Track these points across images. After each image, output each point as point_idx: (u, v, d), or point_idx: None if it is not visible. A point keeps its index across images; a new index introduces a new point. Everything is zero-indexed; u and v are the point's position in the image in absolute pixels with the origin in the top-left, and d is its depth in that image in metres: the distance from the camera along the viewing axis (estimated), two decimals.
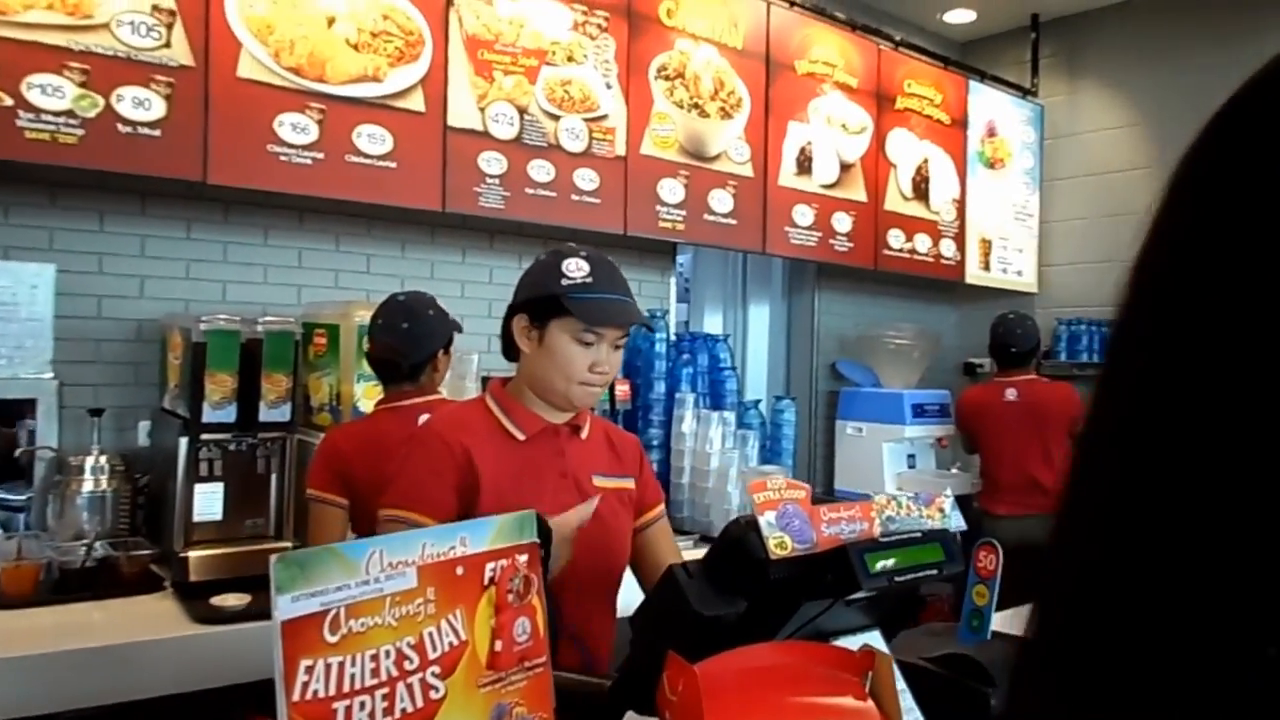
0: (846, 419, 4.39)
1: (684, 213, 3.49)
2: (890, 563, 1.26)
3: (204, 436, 2.46)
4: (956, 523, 1.45)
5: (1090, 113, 4.86)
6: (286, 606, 0.72)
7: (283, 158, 2.64)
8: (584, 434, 1.81)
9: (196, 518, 2.47)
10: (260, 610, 2.22)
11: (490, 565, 0.88)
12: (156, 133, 2.46)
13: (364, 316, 2.63)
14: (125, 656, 2.02)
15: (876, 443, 4.22)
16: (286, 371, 2.50)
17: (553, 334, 1.67)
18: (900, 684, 1.39)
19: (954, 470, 4.35)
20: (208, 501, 2.50)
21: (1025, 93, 4.92)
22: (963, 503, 3.96)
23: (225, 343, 2.44)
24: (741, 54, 3.66)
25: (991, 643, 1.69)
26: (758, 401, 3.87)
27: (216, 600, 2.27)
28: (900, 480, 4.19)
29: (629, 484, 1.85)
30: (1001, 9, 4.82)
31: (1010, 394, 3.88)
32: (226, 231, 2.94)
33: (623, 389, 3.57)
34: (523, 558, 0.91)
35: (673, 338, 3.80)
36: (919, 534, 1.33)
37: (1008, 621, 2.14)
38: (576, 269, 1.66)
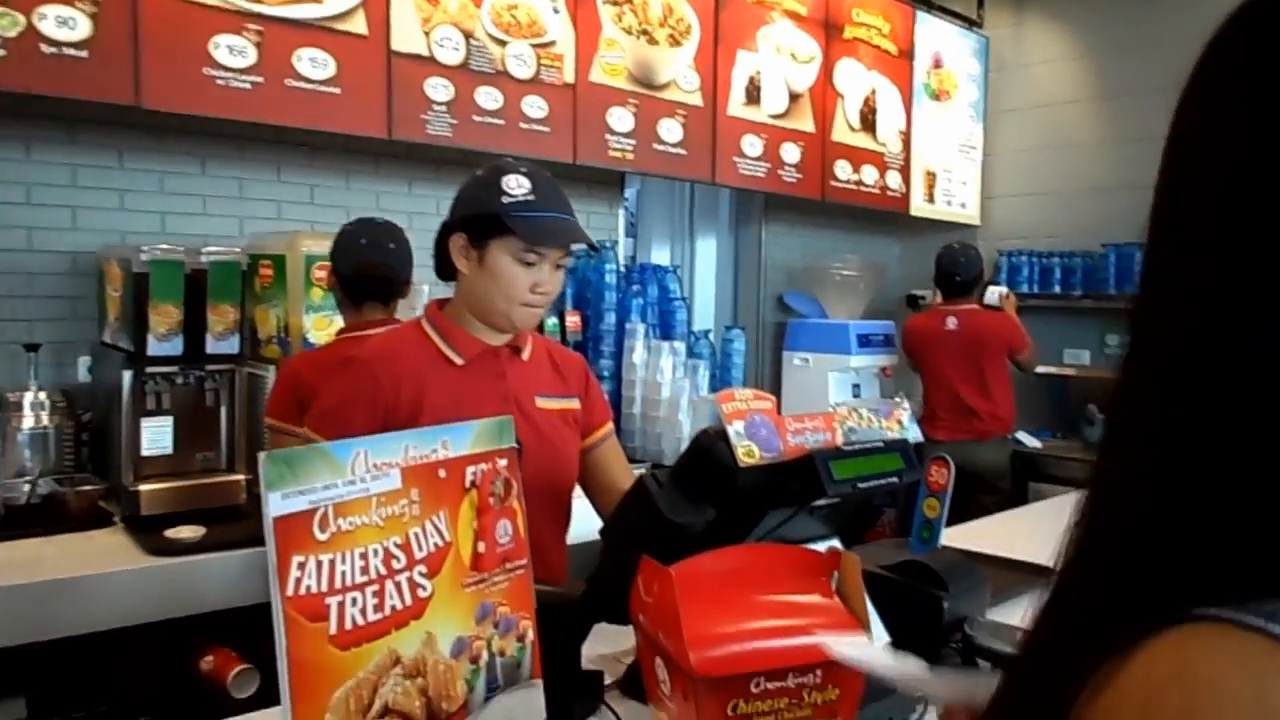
0: (793, 350, 4.44)
1: (634, 142, 3.46)
2: (854, 470, 1.29)
3: (149, 370, 2.41)
4: (914, 434, 1.49)
5: (1035, 44, 4.90)
6: (277, 503, 0.71)
7: (219, 81, 2.55)
8: (525, 355, 1.77)
9: (145, 452, 2.42)
10: (216, 542, 2.21)
11: (471, 468, 0.88)
12: (83, 53, 2.35)
13: (310, 247, 2.58)
14: (79, 589, 1.99)
15: (822, 373, 4.28)
16: (234, 302, 2.45)
17: (493, 253, 1.62)
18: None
19: (897, 399, 4.43)
20: (156, 435, 2.45)
21: (971, 24, 4.94)
22: None
23: (169, 273, 2.37)
24: None
25: (942, 551, 1.75)
26: (707, 331, 3.90)
27: (170, 533, 2.25)
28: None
29: (573, 404, 1.83)
30: None
31: (951, 323, 3.97)
32: (162, 160, 2.85)
33: (573, 320, 3.57)
34: (502, 461, 0.92)
35: (622, 269, 3.79)
36: (880, 443, 1.37)
37: (950, 536, 2.22)
38: (517, 185, 1.61)
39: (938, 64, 4.75)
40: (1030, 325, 4.58)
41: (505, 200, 1.59)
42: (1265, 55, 0.38)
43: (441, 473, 0.85)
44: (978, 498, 3.70)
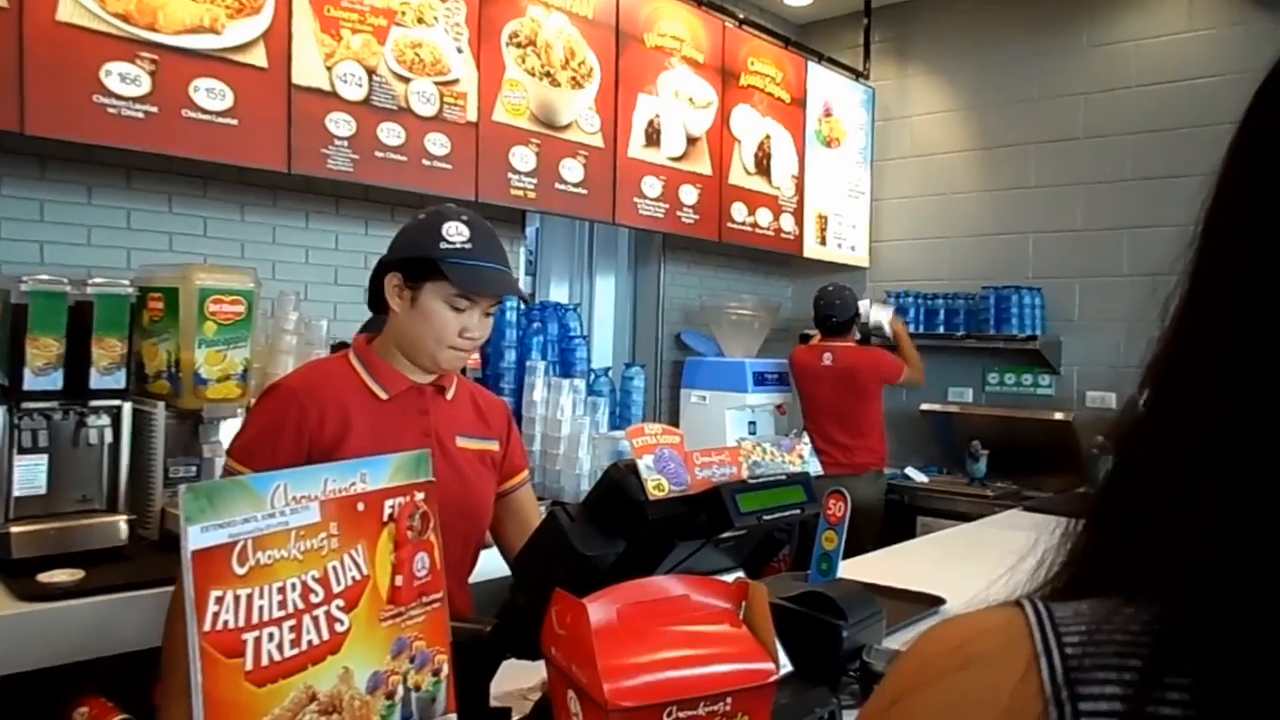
0: (691, 387, 4.52)
1: (535, 181, 3.49)
2: (759, 503, 1.33)
3: (25, 405, 2.29)
4: (815, 468, 1.54)
5: (918, 97, 5.14)
6: (196, 536, 0.70)
7: (111, 110, 2.48)
8: (449, 394, 1.81)
9: (18, 492, 2.30)
10: (95, 586, 2.10)
11: (389, 501, 0.88)
12: None
13: (204, 280, 2.51)
14: None
15: (720, 410, 4.36)
16: (120, 336, 2.36)
17: (426, 295, 1.67)
18: None
19: (792, 436, 4.54)
20: (30, 474, 2.33)
21: (858, 75, 5.15)
22: None
23: (50, 305, 2.28)
24: (592, 24, 3.68)
25: (840, 583, 1.81)
26: (607, 369, 3.93)
27: (44, 577, 2.13)
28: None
29: (493, 446, 1.87)
30: None
31: (826, 359, 4.13)
32: (44, 189, 2.74)
33: (473, 357, 3.55)
34: (420, 495, 0.92)
35: (522, 307, 3.80)
36: (784, 476, 1.41)
37: (845, 568, 2.29)
38: (456, 233, 1.67)
39: (828, 112, 4.94)
40: (917, 384, 4.75)
41: (443, 246, 1.64)
42: None
43: (360, 506, 0.85)
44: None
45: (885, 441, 4.27)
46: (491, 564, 2.34)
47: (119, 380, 2.37)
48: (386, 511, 0.88)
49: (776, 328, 5.08)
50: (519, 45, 3.42)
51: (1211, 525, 0.38)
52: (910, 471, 4.55)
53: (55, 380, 2.29)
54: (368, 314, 2.00)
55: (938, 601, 2.13)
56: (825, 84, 4.92)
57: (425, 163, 3.16)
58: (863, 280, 5.18)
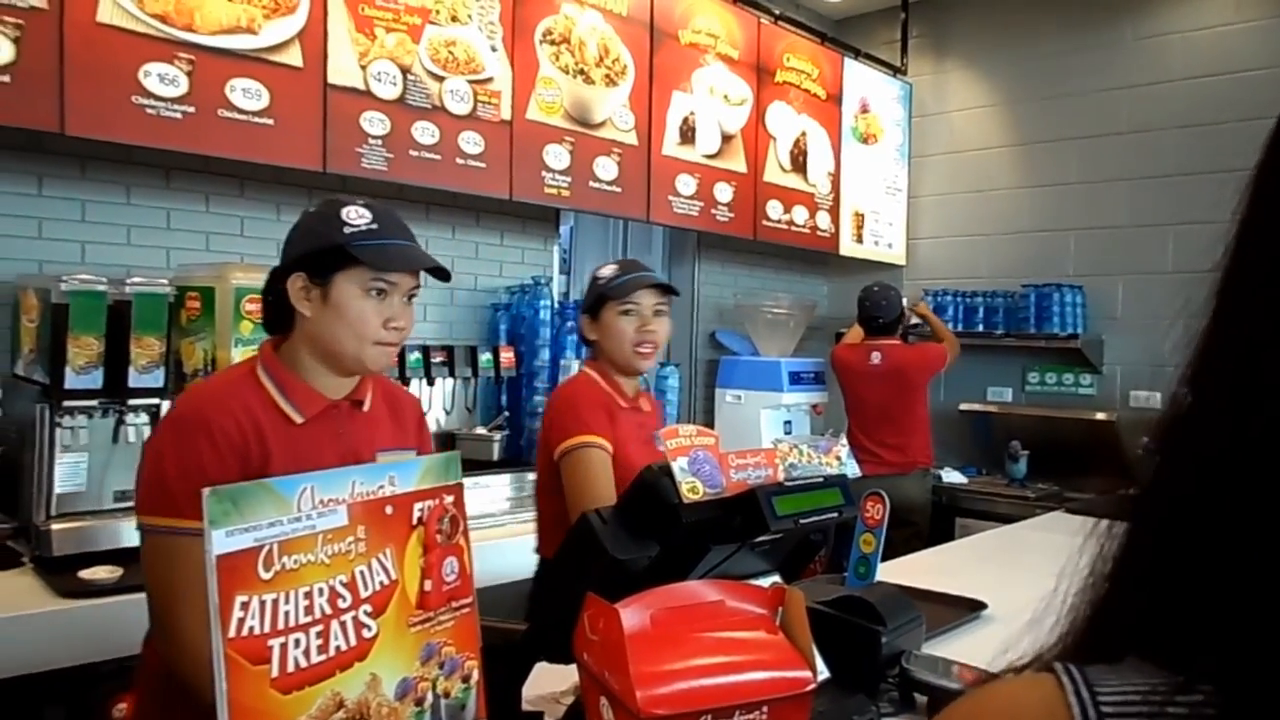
0: (726, 387, 4.48)
1: (569, 179, 3.48)
2: (795, 505, 1.30)
3: (66, 404, 2.32)
4: (853, 470, 1.51)
5: (955, 92, 5.07)
6: (221, 541, 0.69)
7: (149, 110, 2.49)
8: (366, 406, 1.64)
9: (59, 489, 2.33)
10: (133, 583, 2.12)
11: (418, 505, 0.87)
12: (6, 78, 2.28)
13: (240, 279, 2.52)
14: None
15: (755, 409, 4.32)
16: (159, 335, 2.38)
17: (338, 289, 1.51)
18: None
19: (830, 435, 4.49)
20: (70, 471, 2.36)
21: (895, 71, 5.09)
22: None
23: (90, 304, 2.30)
24: (626, 20, 3.66)
25: (878, 586, 1.77)
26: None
27: (85, 574, 2.16)
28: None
29: (410, 455, 1.71)
30: None
31: (875, 358, 4.06)
32: (84, 189, 2.77)
33: (507, 356, 3.55)
34: (449, 498, 0.90)
35: (556, 305, 3.79)
36: (820, 479, 1.38)
37: (883, 571, 2.25)
38: (358, 216, 1.53)
39: (865, 109, 4.88)
40: (955, 363, 4.70)
41: (347, 230, 1.50)
42: None
43: (389, 509, 0.83)
44: (890, 532, 3.77)
45: (931, 440, 4.20)
46: (519, 563, 2.33)
47: (158, 379, 2.39)
48: (415, 515, 0.87)
49: (812, 326, 5.03)
50: (553, 43, 3.41)
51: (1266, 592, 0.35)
52: (946, 472, 4.48)
53: (95, 379, 2.32)
54: None
55: (979, 606, 2.09)
56: (861, 80, 4.87)
57: (459, 161, 3.16)
58: (899, 278, 5.12)
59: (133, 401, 2.39)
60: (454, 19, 3.11)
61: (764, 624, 1.12)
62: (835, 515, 1.37)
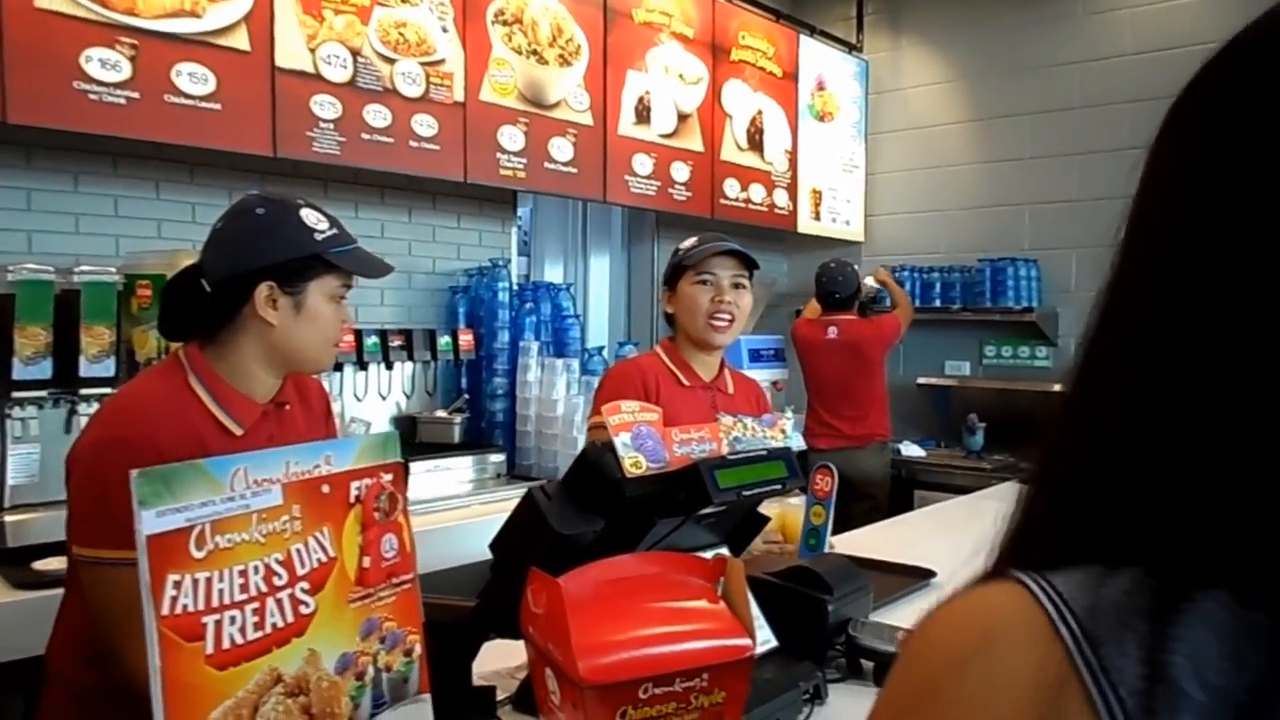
0: None
1: (525, 160, 3.47)
2: (738, 478, 1.33)
3: (15, 395, 2.30)
4: (796, 443, 1.55)
5: (911, 68, 5.11)
6: (151, 521, 0.70)
7: (92, 96, 2.46)
8: (288, 405, 1.64)
9: (11, 481, 2.31)
10: None
11: (355, 483, 0.88)
12: None
13: None
14: None
15: None
16: (109, 324, 2.37)
17: (313, 296, 1.52)
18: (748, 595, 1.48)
19: (789, 413, 4.54)
20: (22, 463, 2.34)
21: (851, 48, 5.12)
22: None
23: (37, 294, 2.29)
24: (579, 0, 3.65)
25: (826, 557, 1.81)
26: (601, 348, 3.92)
27: (40, 565, 2.15)
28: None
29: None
30: None
31: (832, 332, 4.12)
32: (30, 177, 2.73)
33: (466, 339, 3.55)
34: (387, 476, 0.92)
35: (515, 287, 3.79)
36: (764, 452, 1.41)
37: (838, 543, 2.29)
38: (319, 221, 1.52)
39: (821, 86, 4.90)
40: (913, 338, 4.77)
41: (319, 238, 1.50)
42: (1210, 131, 0.45)
43: (325, 488, 0.85)
44: (849, 505, 3.85)
45: (889, 413, 4.27)
46: (480, 545, 2.34)
47: (109, 368, 2.37)
48: (353, 493, 0.88)
49: (771, 305, 5.07)
50: (505, 23, 3.39)
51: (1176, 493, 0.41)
52: (905, 446, 4.55)
53: (44, 369, 2.30)
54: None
55: (928, 575, 2.13)
56: (817, 57, 4.89)
57: (413, 144, 3.14)
58: (858, 255, 5.16)
59: (85, 391, 2.38)
60: (404, 0, 3.09)
61: (705, 594, 1.15)
62: (778, 488, 1.40)
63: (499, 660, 1.49)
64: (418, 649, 0.93)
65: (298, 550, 0.81)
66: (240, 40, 2.70)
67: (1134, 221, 0.47)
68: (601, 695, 1.01)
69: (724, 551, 1.48)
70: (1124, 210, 0.48)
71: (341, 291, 1.56)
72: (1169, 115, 0.48)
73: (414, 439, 3.49)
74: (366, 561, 0.88)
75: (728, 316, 2.16)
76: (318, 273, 1.51)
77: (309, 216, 1.51)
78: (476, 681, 1.34)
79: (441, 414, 3.50)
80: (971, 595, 0.44)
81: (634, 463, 1.25)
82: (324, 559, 0.83)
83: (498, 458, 3.45)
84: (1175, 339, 0.43)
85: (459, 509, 3.08)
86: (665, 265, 2.33)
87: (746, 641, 1.09)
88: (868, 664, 1.54)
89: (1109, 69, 4.42)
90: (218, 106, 2.67)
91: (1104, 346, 0.46)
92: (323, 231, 1.51)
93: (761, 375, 4.42)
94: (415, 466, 3.26)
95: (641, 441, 1.27)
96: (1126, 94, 4.34)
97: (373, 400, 3.45)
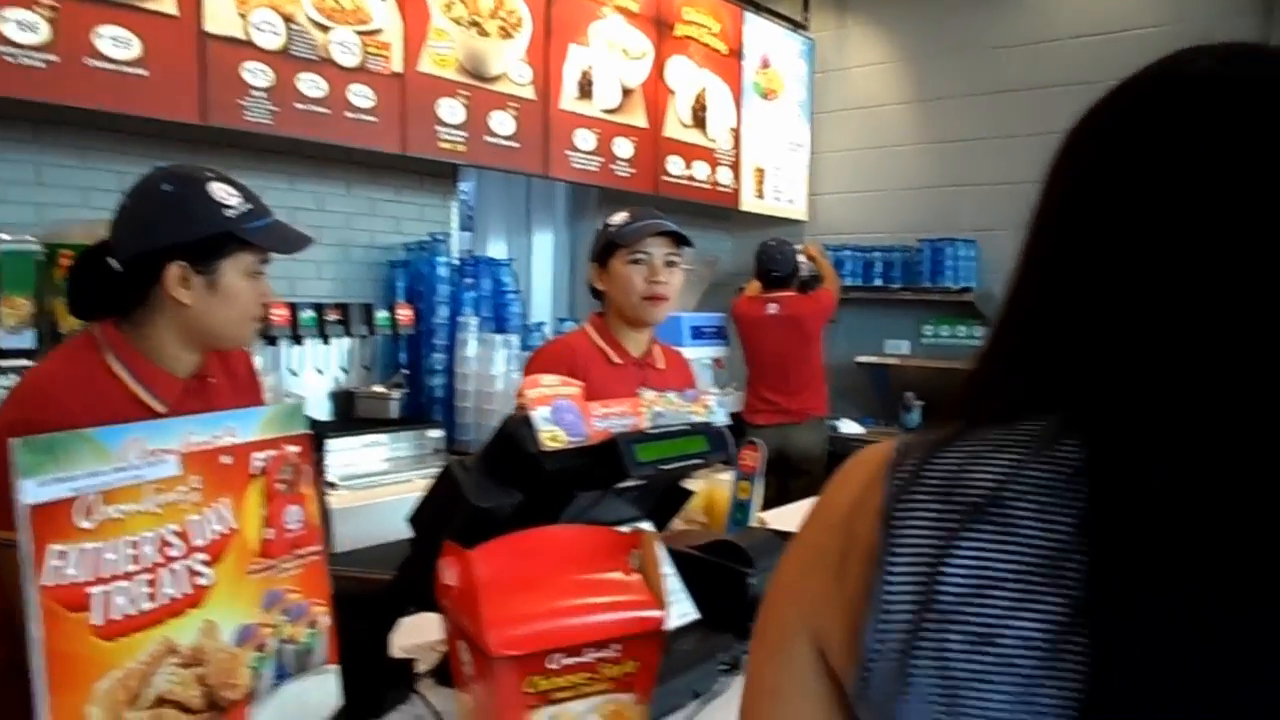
0: None
1: (465, 134, 3.43)
2: (657, 452, 1.34)
3: None
4: (720, 417, 1.56)
5: (857, 48, 5.13)
6: (33, 490, 0.69)
7: (8, 58, 2.38)
8: (213, 379, 1.61)
9: None
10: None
11: (259, 455, 0.87)
12: None
13: None
14: None
15: None
16: (27, 294, 2.31)
17: (227, 274, 1.48)
18: (669, 568, 1.50)
19: (731, 389, 4.58)
20: None
21: (797, 26, 5.12)
22: (735, 417, 4.19)
23: None
24: None
25: (752, 531, 1.83)
26: (541, 324, 3.91)
27: None
28: None
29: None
30: None
31: (771, 308, 4.17)
32: None
33: (405, 314, 3.52)
34: (293, 448, 0.91)
35: (455, 262, 3.76)
36: (685, 427, 1.42)
37: (771, 519, 2.31)
38: (228, 195, 1.47)
39: (766, 64, 4.91)
40: (854, 317, 4.83)
41: (229, 213, 1.46)
42: (1095, 161, 0.61)
43: (226, 459, 0.84)
44: (786, 481, 3.91)
45: (826, 390, 4.33)
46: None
47: (28, 340, 2.32)
48: (256, 464, 0.87)
49: (716, 282, 5.09)
50: None
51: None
52: (844, 423, 4.61)
53: None
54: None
55: None
56: (763, 35, 4.89)
57: (349, 115, 3.09)
58: (801, 233, 5.19)
59: (2, 363, 2.31)
60: None
61: (620, 566, 1.16)
62: (699, 462, 1.41)
63: (425, 634, 1.49)
64: (324, 621, 0.93)
65: (195, 521, 0.80)
66: (168, 4, 2.64)
67: (1042, 210, 0.64)
68: (509, 666, 1.01)
69: (645, 525, 1.49)
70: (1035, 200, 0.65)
71: (259, 267, 1.52)
72: (1068, 136, 0.64)
73: (351, 414, 3.46)
74: (270, 533, 0.87)
75: (662, 296, 2.15)
76: (231, 250, 1.47)
77: (218, 191, 1.46)
78: (398, 654, 1.34)
79: (379, 389, 3.47)
80: (878, 445, 0.65)
81: (551, 436, 1.25)
82: (223, 530, 0.82)
83: (436, 433, 3.43)
84: (1060, 279, 0.60)
85: (397, 484, 3.06)
86: (595, 240, 2.30)
87: (658, 613, 1.10)
88: None
89: (1048, 52, 4.48)
90: (144, 72, 2.60)
91: (1020, 281, 0.64)
92: (234, 207, 1.46)
93: (703, 353, 4.46)
94: (352, 441, 3.24)
95: (560, 415, 1.28)
96: (1064, 78, 4.41)
97: (309, 375, 3.40)
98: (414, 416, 3.52)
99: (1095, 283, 0.58)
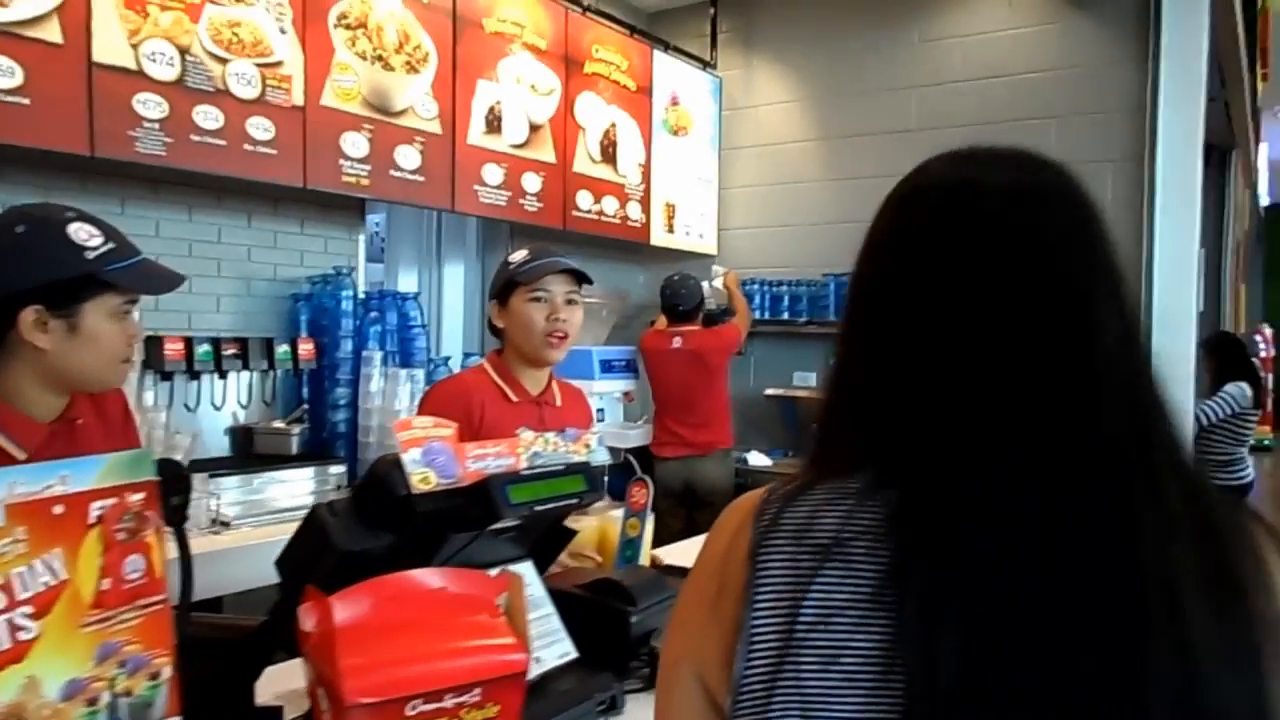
0: None
1: (369, 167, 3.41)
2: (531, 493, 1.34)
3: None
4: (602, 457, 1.57)
5: (762, 87, 5.25)
6: None
7: None
8: (80, 420, 1.58)
9: None
10: None
11: (97, 504, 0.85)
12: None
13: None
14: None
15: None
16: None
17: (89, 317, 1.45)
18: (549, 608, 1.50)
19: (640, 423, 4.60)
20: None
21: (705, 65, 5.22)
22: (643, 451, 4.20)
23: None
24: (427, 8, 3.61)
25: (635, 569, 1.84)
26: (448, 358, 3.89)
27: None
28: None
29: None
30: None
31: (676, 342, 4.23)
32: None
33: (306, 348, 3.47)
34: (135, 496, 0.89)
35: (361, 295, 3.72)
36: (562, 467, 1.43)
37: (683, 554, 2.32)
38: (90, 235, 1.44)
39: (675, 101, 4.99)
40: (762, 350, 4.91)
41: (90, 256, 1.42)
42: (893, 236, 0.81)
43: (58, 509, 0.82)
44: (693, 513, 3.95)
45: (731, 421, 4.39)
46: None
47: None
48: (94, 514, 0.85)
49: (627, 315, 5.13)
50: (348, 27, 3.33)
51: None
52: (753, 455, 4.66)
53: None
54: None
55: None
56: (672, 73, 4.97)
57: (248, 147, 3.05)
58: (710, 269, 5.27)
59: None
60: (238, 0, 3.00)
61: (486, 609, 1.15)
62: (575, 501, 1.42)
63: (297, 680, 1.46)
64: (166, 672, 0.90)
65: (20, 574, 0.78)
66: (52, 33, 2.57)
67: (851, 295, 0.83)
68: (366, 713, 1.00)
69: (528, 566, 1.49)
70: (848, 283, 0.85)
71: (125, 308, 1.49)
72: (867, 235, 0.84)
73: (250, 449, 3.39)
74: (106, 583, 0.85)
75: (562, 334, 2.17)
76: (93, 292, 1.44)
77: (78, 232, 1.42)
78: (275, 701, 1.31)
79: (279, 424, 3.41)
80: (752, 493, 0.77)
81: (422, 478, 1.25)
82: (52, 581, 0.80)
83: (338, 469, 3.38)
84: (872, 353, 0.76)
85: (296, 521, 2.97)
86: (495, 277, 2.31)
87: (521, 656, 1.10)
88: None
89: (943, 94, 4.65)
90: (25, 101, 2.53)
91: (844, 354, 0.80)
92: (95, 248, 1.43)
93: (613, 386, 4.48)
94: (249, 478, 3.16)
95: (432, 457, 1.27)
96: (958, 119, 4.58)
97: (205, 410, 3.32)
98: (315, 452, 3.47)
99: (891, 369, 0.74)
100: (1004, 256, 0.70)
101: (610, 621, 1.54)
